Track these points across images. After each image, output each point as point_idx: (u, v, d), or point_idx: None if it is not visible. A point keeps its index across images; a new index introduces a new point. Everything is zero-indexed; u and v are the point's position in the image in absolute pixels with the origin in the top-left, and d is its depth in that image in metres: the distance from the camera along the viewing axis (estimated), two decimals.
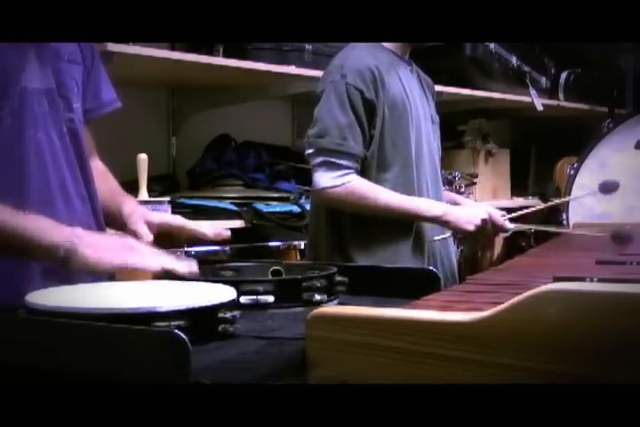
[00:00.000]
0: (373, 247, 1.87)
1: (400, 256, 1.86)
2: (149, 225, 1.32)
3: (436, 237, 1.85)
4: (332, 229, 1.90)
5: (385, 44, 1.95)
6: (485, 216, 1.78)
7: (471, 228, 1.77)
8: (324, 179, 1.82)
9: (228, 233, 1.29)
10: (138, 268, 1.08)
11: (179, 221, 1.37)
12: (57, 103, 1.29)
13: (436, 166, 2.02)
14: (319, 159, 1.82)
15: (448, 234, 1.84)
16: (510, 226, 1.83)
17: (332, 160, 1.80)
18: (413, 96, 1.94)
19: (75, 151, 1.32)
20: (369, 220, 1.86)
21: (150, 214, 1.37)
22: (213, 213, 2.26)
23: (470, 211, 1.82)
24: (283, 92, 2.68)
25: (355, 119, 1.82)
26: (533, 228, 1.97)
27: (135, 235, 1.32)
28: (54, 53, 1.29)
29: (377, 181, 1.86)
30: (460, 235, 1.80)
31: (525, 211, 2.00)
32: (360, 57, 1.88)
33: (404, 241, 1.88)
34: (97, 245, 1.10)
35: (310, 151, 1.84)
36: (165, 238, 1.32)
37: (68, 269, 1.09)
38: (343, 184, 1.80)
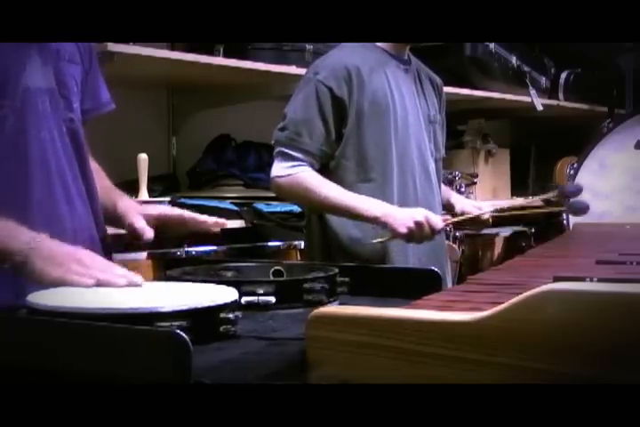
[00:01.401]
0: (356, 250, 1.87)
1: (384, 259, 1.86)
2: (147, 219, 1.32)
3: (375, 240, 1.79)
4: (321, 228, 1.91)
5: (379, 43, 1.95)
6: (421, 219, 1.72)
7: (404, 230, 1.71)
8: (276, 168, 1.86)
9: (227, 222, 1.29)
10: (72, 283, 1.06)
11: (176, 210, 1.37)
12: (58, 103, 1.29)
13: (429, 166, 1.99)
14: (276, 150, 1.88)
15: (387, 237, 1.77)
16: (441, 226, 1.77)
17: (285, 151, 1.85)
18: (401, 95, 1.93)
19: (75, 151, 1.32)
20: (350, 221, 1.86)
21: (147, 208, 1.37)
22: (213, 213, 2.23)
23: (406, 212, 1.75)
24: (283, 92, 2.67)
25: (318, 116, 1.84)
26: (461, 218, 1.96)
27: (133, 230, 1.32)
28: (55, 53, 1.29)
29: (359, 181, 1.87)
30: (398, 237, 1.76)
31: (465, 217, 1.99)
32: (340, 56, 1.89)
33: (387, 244, 1.86)
34: (49, 257, 1.09)
35: (273, 142, 1.90)
36: (165, 233, 1.32)
37: (20, 276, 1.09)
38: (291, 175, 1.84)
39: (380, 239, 1.78)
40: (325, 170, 1.89)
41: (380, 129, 1.87)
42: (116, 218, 1.39)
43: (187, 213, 1.36)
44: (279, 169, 1.86)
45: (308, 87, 1.86)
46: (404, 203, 1.88)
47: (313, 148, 1.84)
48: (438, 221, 1.74)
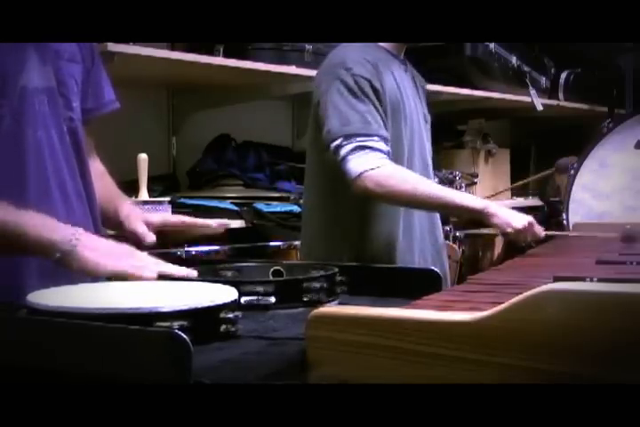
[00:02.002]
0: (364, 248, 1.86)
1: (390, 259, 1.86)
2: (149, 226, 1.32)
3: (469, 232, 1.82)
4: (325, 227, 1.91)
5: (380, 43, 1.95)
6: (533, 221, 1.75)
7: (519, 226, 1.73)
8: (361, 163, 1.73)
9: (230, 223, 1.29)
10: (134, 276, 1.07)
11: (177, 217, 1.37)
12: (57, 102, 1.29)
13: (428, 166, 2.01)
14: (350, 146, 1.74)
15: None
16: (543, 233, 1.81)
17: (365, 144, 1.74)
18: (407, 95, 1.94)
19: (74, 150, 1.32)
20: (358, 221, 1.86)
21: (149, 215, 1.37)
22: (213, 212, 2.26)
23: (514, 212, 1.79)
24: (283, 92, 2.68)
25: (371, 104, 1.79)
26: (568, 233, 1.99)
27: (135, 235, 1.32)
28: (54, 52, 1.29)
29: None
30: (503, 231, 1.77)
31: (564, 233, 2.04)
32: (359, 52, 1.88)
33: (394, 243, 1.87)
34: (97, 248, 1.09)
35: (337, 142, 1.76)
36: (167, 238, 1.32)
37: (64, 268, 1.09)
38: (379, 167, 1.73)
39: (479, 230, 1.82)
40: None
41: (393, 127, 1.87)
42: (117, 223, 1.38)
43: (187, 219, 1.36)
44: (366, 163, 1.73)
45: (347, 83, 1.80)
46: None
47: (385, 133, 1.78)
48: (540, 228, 1.79)
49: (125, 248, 1.14)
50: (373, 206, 1.87)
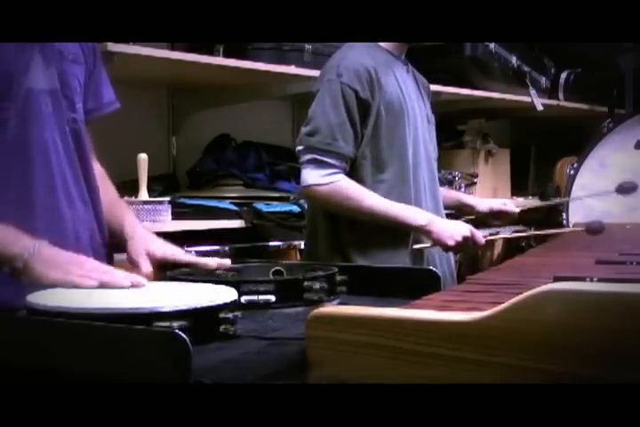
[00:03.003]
0: (372, 249, 1.87)
1: (399, 257, 1.86)
2: (149, 256, 1.30)
3: (416, 246, 1.84)
4: (330, 230, 1.91)
5: (382, 43, 1.95)
6: (468, 234, 1.78)
7: (451, 243, 1.77)
8: (311, 176, 1.83)
9: (229, 262, 1.28)
10: (74, 285, 1.06)
11: (179, 256, 1.31)
12: (61, 103, 1.29)
13: (433, 166, 2.01)
14: (308, 156, 1.83)
15: (428, 244, 1.83)
16: (483, 241, 1.82)
17: (321, 158, 1.82)
18: (410, 96, 1.94)
19: (77, 152, 1.32)
20: (366, 221, 1.87)
21: (152, 244, 1.32)
22: (213, 212, 2.26)
23: (454, 226, 1.82)
24: (282, 92, 2.68)
25: (347, 119, 1.82)
26: (507, 236, 2.01)
27: (135, 264, 1.30)
28: (58, 54, 1.29)
29: (373, 182, 1.87)
30: (441, 247, 1.81)
31: (507, 236, 2.04)
32: (357, 57, 1.88)
33: (403, 242, 1.88)
34: (48, 262, 1.10)
35: (300, 148, 1.86)
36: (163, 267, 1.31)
37: (19, 280, 1.10)
38: (329, 183, 1.82)
39: (420, 246, 1.83)
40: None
41: (395, 130, 1.88)
42: (121, 241, 1.37)
43: (188, 258, 1.32)
44: (315, 177, 1.82)
45: (332, 90, 1.84)
46: (417, 203, 1.91)
47: (348, 151, 1.83)
48: (482, 237, 1.80)
49: (81, 258, 1.13)
50: None
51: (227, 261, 1.27)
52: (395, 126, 1.87)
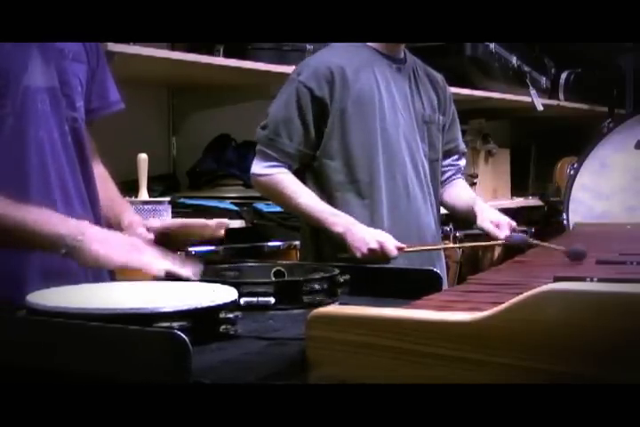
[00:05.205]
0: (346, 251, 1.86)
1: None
2: (148, 230, 1.31)
3: (340, 255, 1.79)
4: (312, 230, 1.91)
5: (370, 42, 1.94)
6: (375, 246, 1.72)
7: (358, 254, 1.74)
8: (255, 166, 1.90)
9: (229, 222, 1.29)
10: (141, 269, 1.07)
11: (177, 221, 1.37)
12: (60, 102, 1.28)
13: (422, 167, 1.96)
14: (257, 147, 1.90)
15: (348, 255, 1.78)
16: (395, 253, 1.74)
17: (264, 150, 1.87)
18: (391, 95, 1.92)
19: (76, 151, 1.32)
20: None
21: (149, 221, 1.36)
22: (213, 212, 2.26)
23: (368, 235, 1.76)
24: None
25: (297, 117, 1.85)
26: (423, 248, 1.89)
27: (138, 235, 1.31)
28: (58, 52, 1.29)
29: (345, 181, 1.87)
30: (352, 255, 1.76)
31: (427, 248, 1.94)
32: (325, 56, 1.90)
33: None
34: (104, 241, 1.10)
35: (255, 138, 1.92)
36: (168, 242, 1.31)
37: (74, 261, 1.09)
38: (268, 175, 1.87)
39: (344, 255, 1.79)
40: (310, 170, 1.90)
41: (365, 129, 1.87)
42: (116, 229, 1.37)
43: (186, 221, 1.35)
44: (258, 168, 1.89)
45: (289, 88, 1.87)
46: (394, 204, 1.89)
47: (291, 148, 1.86)
48: (393, 249, 1.73)
49: (134, 241, 1.14)
50: (369, 207, 1.87)
51: (225, 221, 1.29)
52: (365, 125, 1.87)
